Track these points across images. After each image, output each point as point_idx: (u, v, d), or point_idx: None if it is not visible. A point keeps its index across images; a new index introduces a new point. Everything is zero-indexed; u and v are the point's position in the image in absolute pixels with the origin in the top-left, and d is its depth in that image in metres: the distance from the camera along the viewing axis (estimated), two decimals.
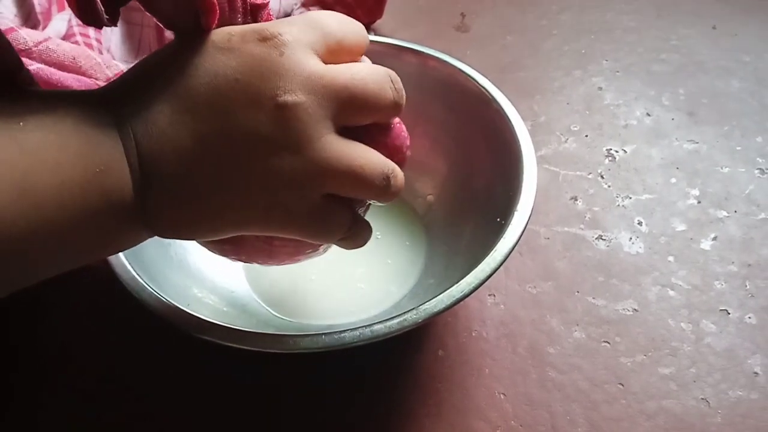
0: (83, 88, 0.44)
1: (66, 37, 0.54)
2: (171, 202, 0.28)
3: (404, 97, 0.32)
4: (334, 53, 0.30)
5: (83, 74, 0.46)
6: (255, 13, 0.31)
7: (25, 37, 0.45)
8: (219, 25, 0.29)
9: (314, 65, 0.28)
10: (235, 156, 0.28)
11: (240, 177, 0.28)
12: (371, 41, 0.48)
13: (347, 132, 0.30)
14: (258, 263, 0.36)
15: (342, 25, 0.31)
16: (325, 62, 0.29)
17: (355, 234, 0.33)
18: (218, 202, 0.28)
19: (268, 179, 0.28)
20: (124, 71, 0.46)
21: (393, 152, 0.32)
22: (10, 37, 0.45)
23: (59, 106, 0.26)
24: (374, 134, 0.32)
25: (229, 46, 0.28)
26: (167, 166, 0.27)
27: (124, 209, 0.27)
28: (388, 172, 0.31)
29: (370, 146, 0.31)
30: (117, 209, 0.27)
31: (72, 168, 0.25)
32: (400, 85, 0.32)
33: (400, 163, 0.33)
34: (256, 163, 0.28)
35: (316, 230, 0.31)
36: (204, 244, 0.35)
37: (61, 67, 0.45)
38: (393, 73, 0.31)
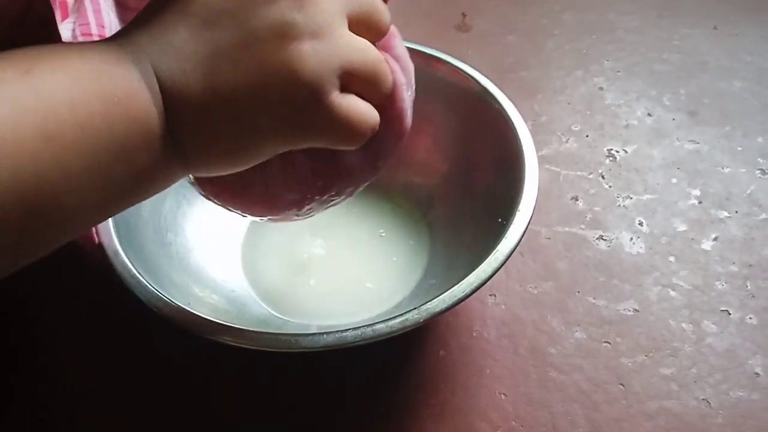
0: None
1: None
2: (201, 121, 0.28)
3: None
4: (363, 24, 0.30)
5: None
6: None
7: None
8: None
9: (340, 11, 0.28)
10: (259, 52, 0.27)
11: (266, 73, 0.27)
12: None
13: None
14: (251, 214, 0.36)
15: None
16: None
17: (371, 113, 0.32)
18: (250, 108, 0.28)
19: (295, 68, 0.27)
20: None
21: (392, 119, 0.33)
22: None
23: (72, 50, 0.26)
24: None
25: None
26: (190, 84, 0.27)
27: (152, 139, 0.26)
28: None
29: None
30: (145, 140, 0.26)
31: (89, 103, 0.24)
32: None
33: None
34: (280, 53, 0.27)
35: (340, 129, 0.30)
36: (206, 194, 0.34)
37: None
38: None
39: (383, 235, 0.50)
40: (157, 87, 0.26)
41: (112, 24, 0.49)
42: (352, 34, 0.29)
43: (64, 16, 0.52)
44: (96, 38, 0.51)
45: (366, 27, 0.30)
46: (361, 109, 0.30)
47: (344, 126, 0.29)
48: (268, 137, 0.29)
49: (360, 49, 0.29)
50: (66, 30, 0.54)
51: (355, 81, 0.29)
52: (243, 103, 0.27)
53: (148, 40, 0.27)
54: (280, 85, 0.27)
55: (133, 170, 0.27)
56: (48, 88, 0.24)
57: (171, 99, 0.26)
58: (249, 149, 0.29)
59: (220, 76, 0.27)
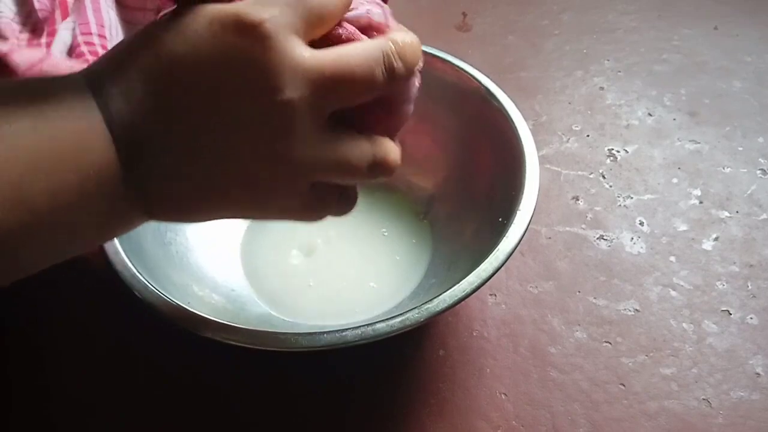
0: None
1: (72, 47, 0.54)
2: (158, 176, 0.28)
3: (402, 68, 0.30)
4: (318, 26, 0.29)
5: None
6: None
7: (17, 60, 0.45)
8: None
9: (298, 55, 0.27)
10: (219, 138, 0.27)
11: (220, 158, 0.28)
12: None
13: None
14: None
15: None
16: (308, 39, 0.28)
17: (342, 207, 0.33)
18: (201, 181, 0.28)
19: (251, 166, 0.28)
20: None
21: (388, 122, 0.32)
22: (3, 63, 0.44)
23: (35, 90, 0.26)
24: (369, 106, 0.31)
25: (212, 32, 0.27)
26: (150, 137, 0.27)
27: (112, 186, 0.27)
28: (377, 158, 0.30)
29: (364, 119, 0.31)
30: (105, 187, 0.26)
31: (49, 151, 0.25)
32: (398, 59, 0.30)
33: (397, 128, 0.33)
34: (241, 147, 0.27)
35: (306, 215, 0.32)
36: None
37: None
38: (391, 46, 0.30)
39: (386, 234, 0.50)
40: (121, 134, 0.26)
41: (111, 23, 0.49)
42: (319, 133, 0.29)
43: (64, 16, 0.52)
44: (96, 37, 0.51)
45: (321, 26, 0.29)
46: (329, 201, 0.32)
47: (308, 217, 0.32)
48: (227, 211, 0.31)
49: (330, 149, 0.29)
50: (66, 30, 0.54)
51: (329, 178, 0.30)
52: (198, 177, 0.28)
53: (113, 81, 0.27)
54: (234, 179, 0.28)
55: (92, 215, 0.27)
56: (7, 138, 0.24)
57: (130, 148, 0.27)
58: (203, 213, 0.30)
59: (178, 141, 0.27)
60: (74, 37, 0.54)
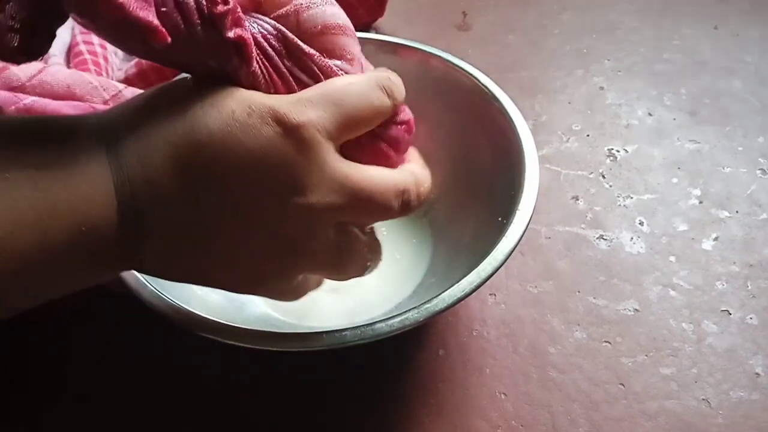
0: (79, 113, 0.44)
1: (71, 47, 0.54)
2: (157, 252, 0.28)
3: (417, 204, 0.33)
4: (350, 132, 0.30)
5: (79, 100, 0.46)
6: (218, 22, 0.26)
7: (17, 73, 0.45)
8: (177, 42, 0.26)
9: (330, 164, 0.28)
10: (233, 228, 0.28)
11: (229, 247, 0.28)
12: (373, 39, 0.48)
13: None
14: None
15: (361, 102, 0.29)
16: (339, 144, 0.29)
17: (374, 259, 0.35)
18: (201, 264, 0.29)
19: (258, 259, 0.29)
20: (124, 96, 0.46)
21: (395, 145, 0.33)
22: (2, 75, 0.45)
23: (41, 135, 0.25)
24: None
25: (248, 121, 0.26)
26: (159, 215, 0.27)
27: (105, 248, 0.26)
28: (367, 263, 0.34)
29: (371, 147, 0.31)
30: (97, 248, 0.26)
31: (46, 210, 0.24)
32: (415, 198, 0.32)
33: (406, 144, 0.34)
34: (251, 244, 0.28)
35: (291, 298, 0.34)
36: None
37: (55, 97, 0.45)
38: (413, 184, 0.32)
39: (385, 233, 0.50)
40: (132, 212, 0.26)
41: None
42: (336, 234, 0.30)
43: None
44: (94, 37, 0.51)
45: (350, 130, 0.30)
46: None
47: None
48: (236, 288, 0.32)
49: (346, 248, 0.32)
50: (66, 29, 0.54)
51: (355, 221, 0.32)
52: (206, 264, 0.29)
53: (132, 148, 0.26)
54: (246, 265, 0.29)
55: (80, 275, 0.27)
56: (9, 202, 0.24)
57: (140, 228, 0.27)
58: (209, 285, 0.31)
59: (192, 229, 0.27)
60: (73, 36, 0.54)
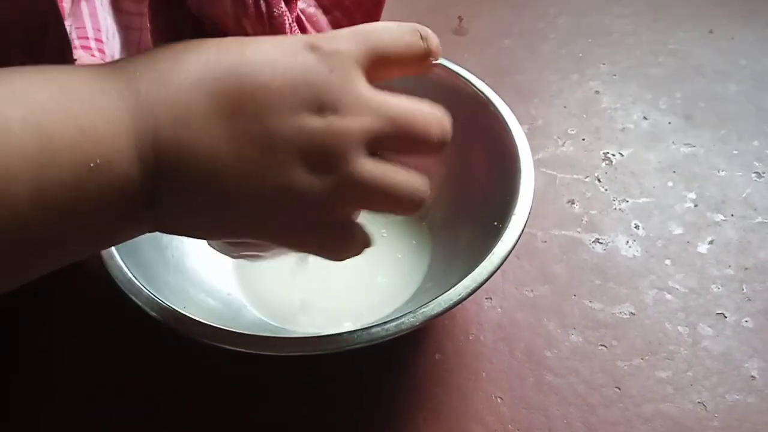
0: None
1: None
2: (189, 205, 0.26)
3: (447, 139, 0.32)
4: (381, 67, 0.29)
5: None
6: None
7: None
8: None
9: (361, 87, 0.28)
10: (269, 165, 0.26)
11: (268, 188, 0.26)
12: None
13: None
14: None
15: (392, 38, 0.30)
16: (370, 77, 0.29)
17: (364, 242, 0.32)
18: (238, 211, 0.27)
19: (297, 194, 0.27)
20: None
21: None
22: None
23: (45, 85, 0.23)
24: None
25: (287, 49, 0.27)
26: (191, 165, 0.25)
27: (124, 204, 0.24)
28: (421, 190, 0.31)
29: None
30: (115, 204, 0.24)
31: (57, 168, 0.22)
32: (446, 123, 0.32)
33: None
34: (289, 175, 0.26)
35: (335, 248, 0.31)
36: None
37: None
38: (447, 118, 0.32)
39: (385, 235, 0.50)
40: (152, 154, 0.24)
41: (108, 28, 0.49)
42: (367, 162, 0.28)
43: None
44: (92, 41, 0.51)
45: (385, 68, 0.30)
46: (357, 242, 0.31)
47: (336, 252, 0.31)
48: (253, 236, 0.29)
49: (379, 177, 0.28)
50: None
51: (373, 208, 0.30)
52: (236, 207, 0.27)
53: (157, 91, 0.25)
54: (279, 208, 0.27)
55: (93, 227, 0.25)
56: (9, 149, 0.21)
57: (162, 173, 0.25)
58: (229, 236, 0.30)
59: (226, 173, 0.25)
60: (71, 40, 0.54)
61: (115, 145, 0.23)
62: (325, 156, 0.27)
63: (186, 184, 0.25)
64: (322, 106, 0.26)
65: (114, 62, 0.26)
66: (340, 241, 0.30)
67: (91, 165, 0.22)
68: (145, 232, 0.28)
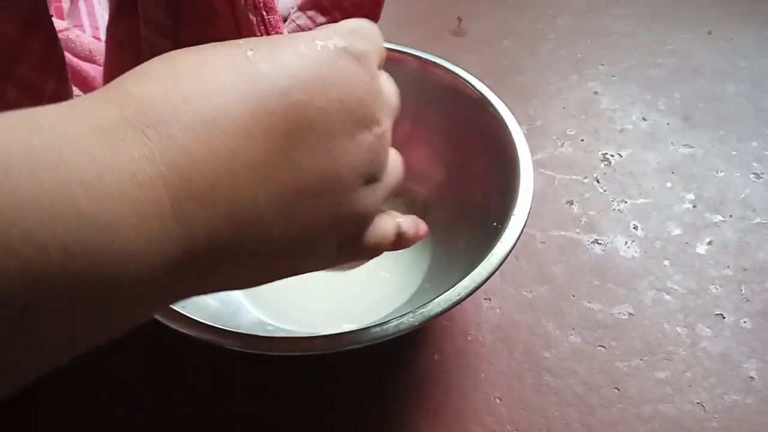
0: (99, 77, 0.43)
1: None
2: (242, 261, 0.22)
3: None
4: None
5: (98, 66, 0.46)
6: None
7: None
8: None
9: (387, 90, 0.27)
10: (331, 189, 0.23)
11: (332, 213, 0.24)
12: None
13: None
14: None
15: (370, 29, 0.28)
16: None
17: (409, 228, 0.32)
18: (304, 245, 0.24)
19: (356, 211, 0.25)
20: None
21: None
22: None
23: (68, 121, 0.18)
24: None
25: (322, 53, 0.23)
26: (253, 215, 0.21)
27: (156, 286, 0.20)
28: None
29: None
30: (143, 292, 0.19)
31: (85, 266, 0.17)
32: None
33: None
34: (349, 196, 0.24)
35: (377, 249, 0.29)
36: None
37: (77, 56, 0.45)
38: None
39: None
40: (200, 217, 0.20)
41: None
42: (393, 158, 0.28)
43: (59, 18, 0.52)
44: (89, 38, 0.51)
45: None
46: (379, 232, 0.29)
47: (370, 253, 0.29)
48: (308, 267, 0.26)
49: (397, 159, 0.29)
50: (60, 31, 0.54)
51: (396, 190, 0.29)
52: (307, 241, 0.24)
53: (197, 139, 0.19)
54: (344, 226, 0.25)
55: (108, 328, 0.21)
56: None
57: (220, 230, 0.20)
58: (281, 276, 0.26)
59: (299, 212, 0.23)
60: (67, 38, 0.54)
61: (143, 226, 0.18)
62: (377, 166, 0.26)
63: (243, 243, 0.21)
64: (371, 119, 0.25)
65: (133, 122, 0.19)
66: (382, 239, 0.29)
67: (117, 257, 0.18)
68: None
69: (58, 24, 0.46)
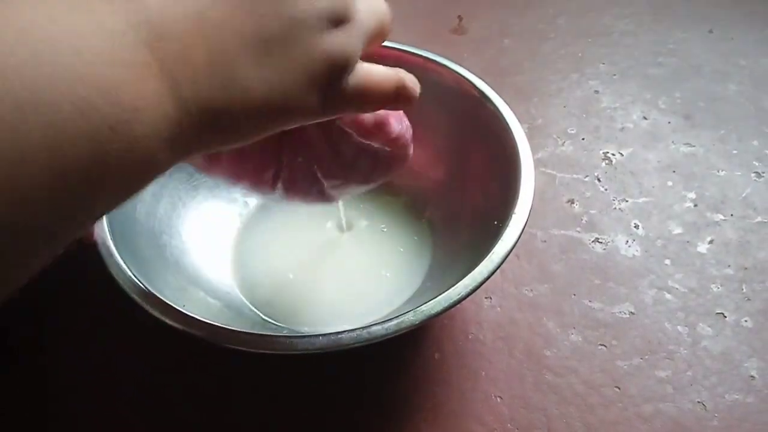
0: None
1: None
2: (232, 113, 0.24)
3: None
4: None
5: None
6: None
7: None
8: None
9: None
10: (298, 35, 0.25)
11: (304, 59, 0.25)
12: None
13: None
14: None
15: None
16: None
17: (411, 81, 0.32)
18: (281, 94, 0.25)
19: (329, 54, 0.26)
20: None
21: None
22: None
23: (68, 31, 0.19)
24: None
25: None
26: (231, 71, 0.23)
27: (159, 148, 0.22)
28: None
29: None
30: (148, 153, 0.21)
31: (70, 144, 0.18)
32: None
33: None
34: (318, 39, 0.25)
35: (363, 96, 0.30)
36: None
37: None
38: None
39: (385, 230, 0.50)
40: (188, 77, 0.22)
41: None
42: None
43: None
44: None
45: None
46: (374, 78, 0.29)
47: (361, 100, 0.29)
48: (294, 117, 0.27)
49: (377, 10, 0.30)
50: None
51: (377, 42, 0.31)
52: (284, 88, 0.25)
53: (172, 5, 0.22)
54: (319, 69, 0.26)
55: (120, 188, 0.22)
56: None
57: (206, 86, 0.22)
58: (270, 129, 0.27)
59: (270, 61, 0.24)
60: None
61: (140, 90, 0.20)
62: (341, 4, 0.26)
63: (229, 96, 0.23)
64: None
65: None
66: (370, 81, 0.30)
67: (114, 124, 0.20)
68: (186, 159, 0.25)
69: None
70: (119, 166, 0.20)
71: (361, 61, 0.29)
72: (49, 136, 0.18)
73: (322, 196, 0.38)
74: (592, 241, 0.52)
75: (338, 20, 0.26)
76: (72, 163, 0.19)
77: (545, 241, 0.52)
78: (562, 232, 0.53)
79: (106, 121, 0.19)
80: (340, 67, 0.27)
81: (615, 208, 0.55)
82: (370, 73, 0.29)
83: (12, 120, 0.17)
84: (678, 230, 0.53)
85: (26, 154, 0.18)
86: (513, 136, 0.43)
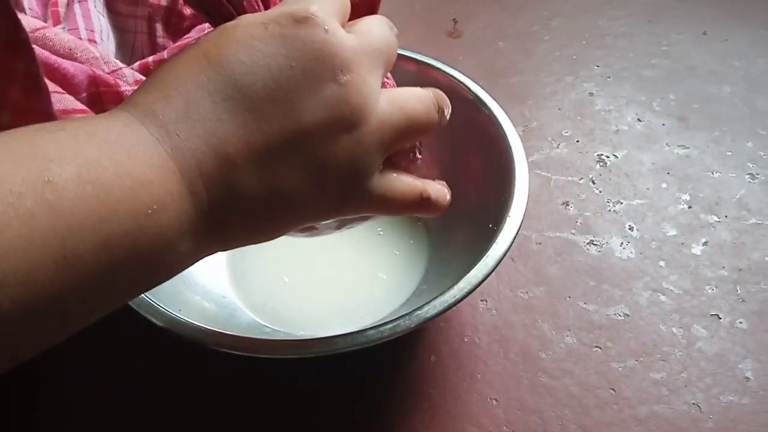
0: (79, 74, 0.43)
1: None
2: (244, 215, 0.26)
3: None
4: (348, 14, 0.31)
5: (79, 63, 0.45)
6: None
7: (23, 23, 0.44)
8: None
9: (346, 38, 0.28)
10: (303, 146, 0.26)
11: (311, 168, 0.27)
12: None
13: None
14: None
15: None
16: (344, 27, 0.29)
17: (436, 194, 0.33)
18: (291, 201, 0.27)
19: (339, 162, 0.27)
20: (123, 73, 0.45)
21: None
22: None
23: (90, 142, 0.22)
24: None
25: (270, 32, 0.26)
26: (237, 179, 0.25)
27: (182, 239, 0.24)
28: (438, 101, 0.33)
29: None
30: (173, 243, 0.24)
31: (118, 220, 0.22)
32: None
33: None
34: (325, 148, 0.27)
35: (385, 204, 0.31)
36: None
37: (56, 54, 0.45)
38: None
39: (381, 233, 0.50)
40: (201, 184, 0.25)
41: (102, 29, 0.49)
42: (383, 100, 0.29)
43: (56, 22, 0.52)
44: (85, 42, 0.51)
45: (352, 13, 0.31)
46: (397, 189, 0.31)
47: (380, 207, 0.30)
48: (316, 219, 0.30)
49: (397, 106, 0.30)
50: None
51: (405, 138, 0.30)
52: (289, 198, 0.27)
53: (183, 121, 0.25)
54: (327, 183, 0.27)
55: (154, 273, 0.25)
56: (69, 206, 0.21)
57: (214, 196, 0.25)
58: (286, 228, 0.29)
59: (270, 171, 0.26)
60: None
61: (167, 188, 0.24)
62: (351, 113, 0.27)
63: (233, 199, 0.26)
64: (332, 71, 0.27)
65: (129, 104, 0.25)
66: (392, 190, 0.31)
67: (149, 211, 0.23)
68: (211, 253, 0.27)
69: (34, 23, 0.45)
70: (150, 246, 0.23)
71: (391, 168, 0.30)
72: (103, 214, 0.21)
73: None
74: (587, 243, 0.52)
75: (348, 126, 0.27)
76: (118, 239, 0.22)
77: (540, 244, 0.53)
78: (557, 234, 0.53)
79: (145, 206, 0.22)
80: (353, 172, 0.28)
81: (609, 210, 0.55)
82: (394, 185, 0.30)
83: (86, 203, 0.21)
84: (672, 232, 0.53)
85: (79, 230, 0.21)
86: (507, 138, 0.43)
